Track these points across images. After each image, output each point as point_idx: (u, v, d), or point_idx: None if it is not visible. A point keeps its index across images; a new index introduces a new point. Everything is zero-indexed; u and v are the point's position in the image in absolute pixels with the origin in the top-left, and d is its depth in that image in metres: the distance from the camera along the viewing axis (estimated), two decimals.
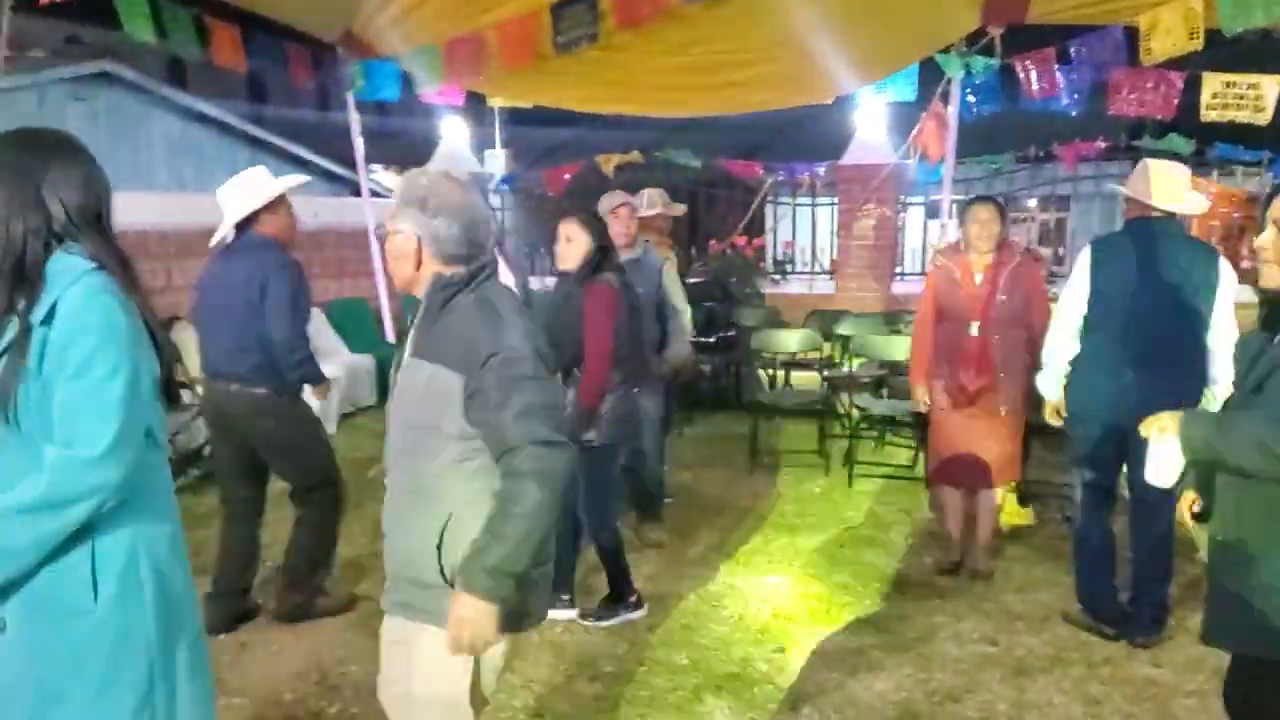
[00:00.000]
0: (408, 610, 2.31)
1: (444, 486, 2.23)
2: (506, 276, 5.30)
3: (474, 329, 2.20)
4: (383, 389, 8.52)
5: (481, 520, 2.15)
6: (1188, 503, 2.63)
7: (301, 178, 4.42)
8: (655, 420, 5.29)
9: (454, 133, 9.93)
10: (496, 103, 9.14)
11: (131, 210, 7.44)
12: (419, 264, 2.29)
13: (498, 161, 10.65)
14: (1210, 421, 2.29)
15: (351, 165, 11.17)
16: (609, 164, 9.31)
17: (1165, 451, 2.29)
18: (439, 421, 2.21)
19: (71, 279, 1.91)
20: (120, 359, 1.89)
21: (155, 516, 2.04)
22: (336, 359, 8.36)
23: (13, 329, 1.89)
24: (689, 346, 5.51)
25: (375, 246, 8.52)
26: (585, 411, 4.05)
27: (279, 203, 4.17)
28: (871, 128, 8.55)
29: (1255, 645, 2.28)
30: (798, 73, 7.25)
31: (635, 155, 9.30)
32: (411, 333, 2.33)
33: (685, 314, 5.40)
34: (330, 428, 7.68)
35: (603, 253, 4.16)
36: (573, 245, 4.16)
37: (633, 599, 4.37)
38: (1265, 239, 2.26)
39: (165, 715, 2.03)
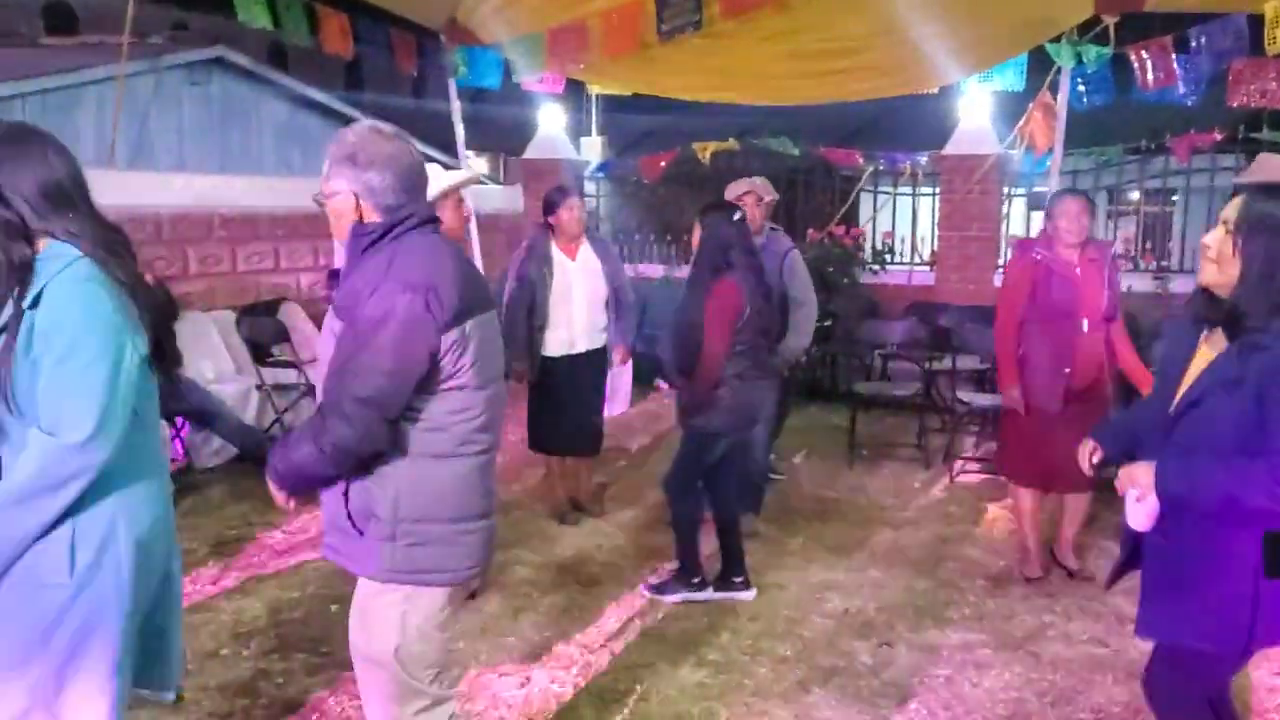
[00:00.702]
0: (337, 555, 2.43)
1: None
2: (595, 263, 5.35)
3: (363, 281, 2.21)
4: None
5: (383, 472, 2.25)
6: (1088, 451, 2.73)
7: (468, 173, 4.40)
8: (769, 413, 5.25)
9: (551, 120, 9.99)
10: (595, 90, 9.18)
11: (242, 192, 7.73)
12: (361, 219, 2.28)
13: (593, 149, 10.68)
14: (1181, 475, 2.30)
15: (447, 151, 11.36)
16: (705, 152, 9.26)
17: (1142, 506, 2.38)
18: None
19: (58, 267, 1.95)
20: (103, 345, 1.94)
21: (139, 492, 2.09)
22: None
23: (7, 313, 1.95)
24: (805, 340, 5.40)
25: (475, 231, 8.63)
26: (696, 401, 4.08)
27: (444, 199, 4.08)
28: (976, 117, 8.37)
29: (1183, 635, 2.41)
30: (903, 61, 7.13)
31: (732, 143, 9.24)
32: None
33: (808, 305, 5.27)
34: None
35: (727, 251, 4.13)
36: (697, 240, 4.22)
37: (739, 580, 4.41)
38: (1211, 237, 2.31)
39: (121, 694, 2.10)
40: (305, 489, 2.38)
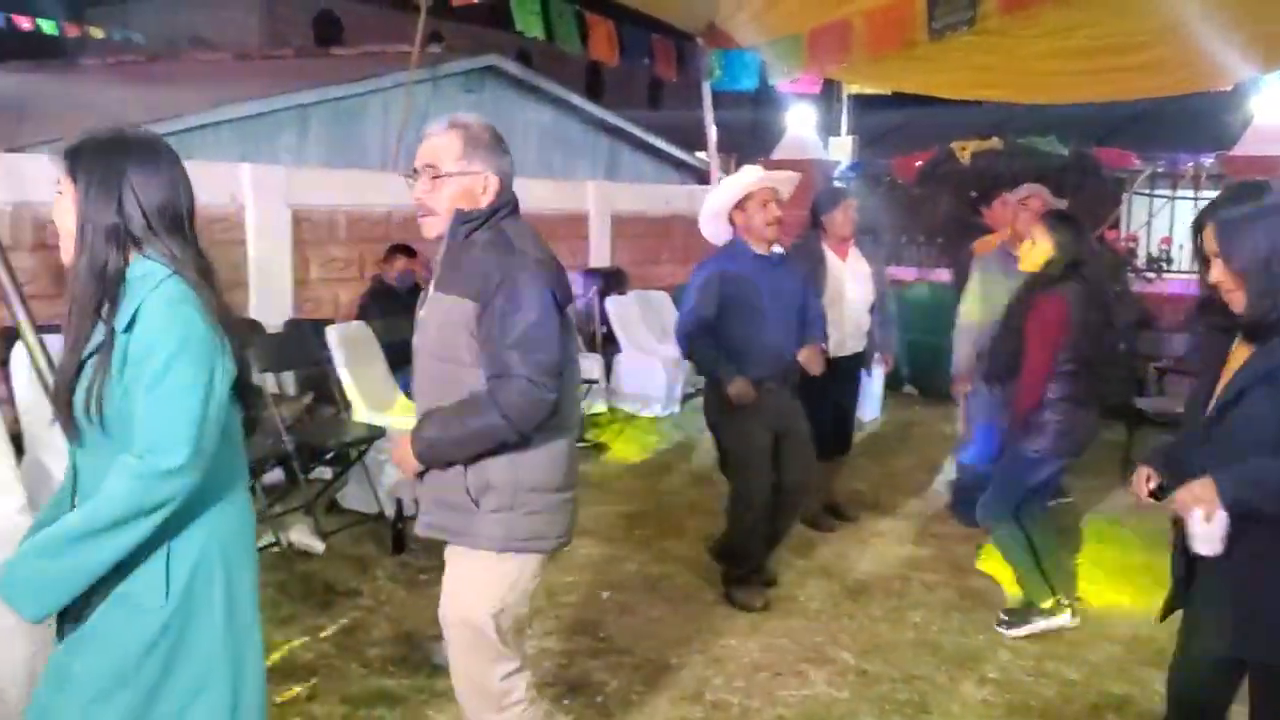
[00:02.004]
0: (441, 532, 2.51)
1: None
2: (864, 266, 5.27)
3: (489, 262, 2.33)
4: None
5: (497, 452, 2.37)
6: (1143, 478, 2.63)
7: (780, 173, 4.36)
8: None
9: (800, 120, 9.95)
10: (853, 90, 9.09)
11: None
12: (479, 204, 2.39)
13: (843, 148, 10.56)
14: (1243, 479, 2.26)
15: (691, 152, 11.53)
16: (965, 151, 8.98)
17: (1213, 525, 2.26)
18: (458, 351, 2.36)
19: (150, 285, 1.92)
20: (197, 368, 1.90)
21: (227, 514, 2.07)
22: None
23: (100, 333, 1.93)
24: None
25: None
26: (1019, 421, 3.89)
27: (746, 200, 4.16)
28: (1273, 115, 7.73)
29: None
30: (1192, 57, 6.69)
31: (994, 142, 8.90)
32: (436, 269, 2.46)
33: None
34: (674, 408, 7.98)
35: (1069, 262, 3.84)
36: (1035, 249, 3.91)
37: (1046, 605, 4.13)
38: (1217, 275, 2.34)
39: (227, 708, 2.06)
40: (446, 463, 2.43)
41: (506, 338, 2.27)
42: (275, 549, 4.74)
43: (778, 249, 4.31)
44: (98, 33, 16.72)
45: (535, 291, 2.31)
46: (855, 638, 4.08)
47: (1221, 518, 2.25)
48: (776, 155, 10.10)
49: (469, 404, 2.33)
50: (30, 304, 3.93)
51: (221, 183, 5.99)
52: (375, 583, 4.53)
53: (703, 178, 10.37)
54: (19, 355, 4.01)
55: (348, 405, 5.63)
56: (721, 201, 4.21)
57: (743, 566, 4.41)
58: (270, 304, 6.19)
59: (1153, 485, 2.64)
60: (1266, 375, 2.27)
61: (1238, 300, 2.33)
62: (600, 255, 8.85)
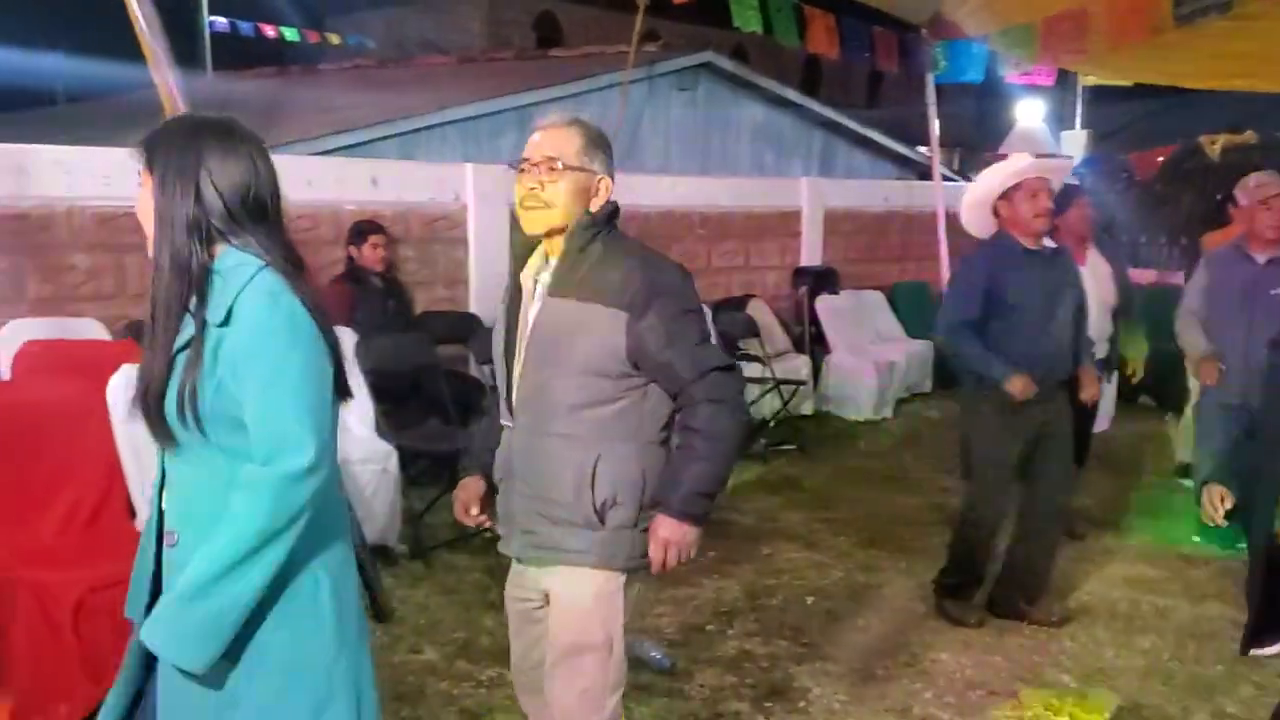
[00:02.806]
0: (558, 554, 2.29)
1: (593, 426, 2.23)
2: (1104, 267, 4.94)
3: (631, 267, 2.22)
4: (940, 377, 8.41)
5: (628, 459, 2.22)
6: (1217, 497, 2.46)
7: (1052, 161, 4.14)
8: None
9: (1030, 113, 9.50)
10: (1089, 81, 8.60)
11: (719, 193, 8.09)
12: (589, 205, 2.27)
13: (1076, 142, 10.01)
14: None
15: (911, 147, 11.19)
16: (1214, 146, 8.33)
17: None
18: (592, 360, 2.21)
19: (245, 277, 1.80)
20: (308, 361, 1.80)
21: (330, 523, 1.93)
22: (896, 344, 8.40)
23: (190, 328, 1.81)
24: None
25: (944, 230, 8.42)
26: None
27: (1013, 190, 3.87)
28: None
29: None
30: None
31: (1248, 136, 8.21)
32: (544, 274, 2.31)
33: None
34: (886, 412, 7.76)
35: None
36: None
37: None
38: None
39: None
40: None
41: (688, 340, 2.21)
42: (486, 534, 4.89)
43: (1049, 243, 3.98)
44: (334, 39, 17.83)
45: (693, 291, 2.31)
46: (1077, 661, 3.84)
47: None
48: (1004, 149, 9.69)
49: (701, 432, 2.20)
50: None
51: (447, 182, 6.25)
52: None
53: (924, 173, 10.04)
54: None
55: None
56: (985, 190, 3.94)
57: (959, 578, 4.20)
58: (489, 300, 6.40)
59: (1228, 505, 2.52)
60: None
61: None
62: (812, 253, 8.72)
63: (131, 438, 3.65)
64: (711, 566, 4.73)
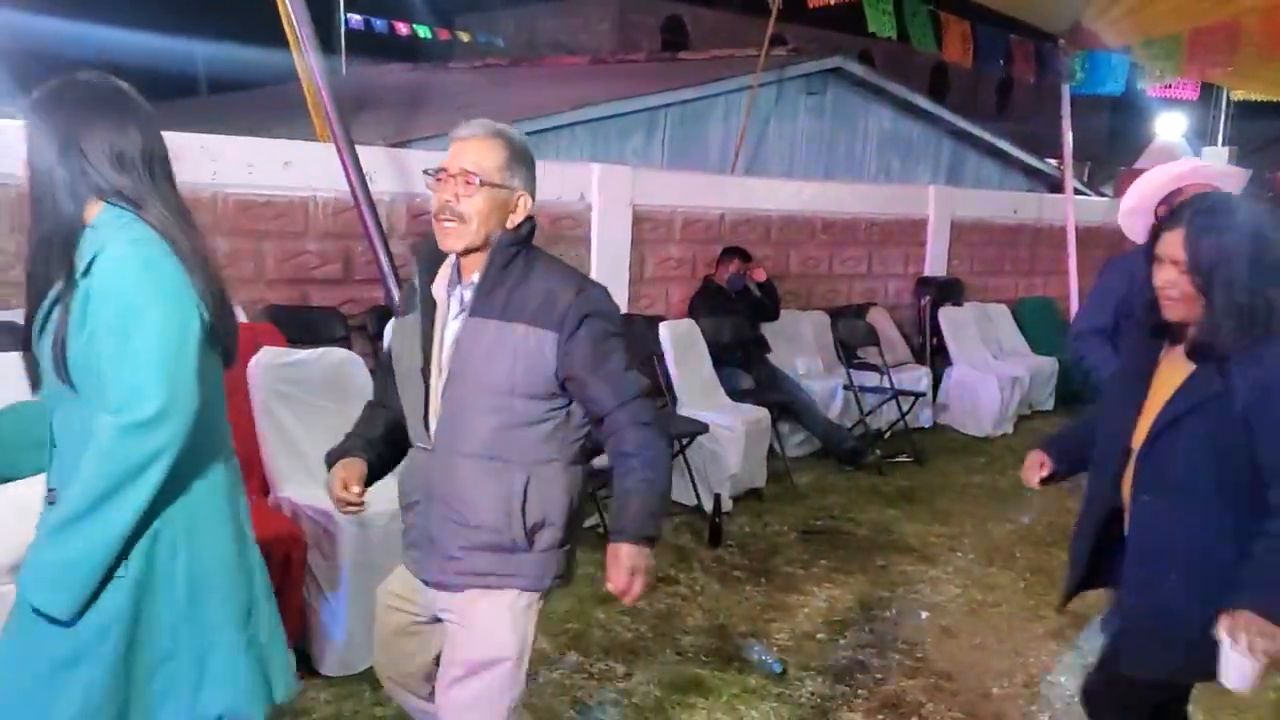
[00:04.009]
0: (485, 579, 2.21)
1: (521, 448, 2.17)
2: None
3: (558, 286, 2.16)
4: (1062, 394, 8.19)
5: (555, 480, 2.18)
6: (1036, 464, 2.53)
7: (1190, 165, 3.80)
8: None
9: (1170, 127, 9.17)
10: (1237, 96, 8.26)
11: (843, 198, 8.02)
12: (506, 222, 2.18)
13: (1219, 158, 9.62)
14: (1273, 595, 2.06)
15: (1043, 159, 10.92)
16: None
17: (1251, 663, 2.04)
18: (519, 382, 2.14)
19: (113, 230, 1.81)
20: (167, 312, 1.78)
21: (201, 493, 1.91)
22: (1019, 359, 8.21)
23: (59, 284, 1.83)
24: None
25: (1073, 245, 8.19)
26: None
27: (1176, 195, 3.57)
28: None
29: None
30: None
31: None
32: (462, 291, 2.20)
33: None
34: (1007, 428, 7.59)
35: None
36: None
37: None
38: (1168, 278, 2.21)
39: (190, 680, 1.93)
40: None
41: (617, 364, 2.17)
42: (599, 530, 4.96)
43: None
44: (465, 37, 18.22)
45: (619, 313, 2.28)
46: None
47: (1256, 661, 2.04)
48: (1141, 164, 9.37)
49: (640, 456, 2.15)
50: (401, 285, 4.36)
51: (574, 181, 6.34)
52: (691, 573, 4.64)
53: (1054, 186, 9.78)
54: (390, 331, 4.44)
55: (674, 399, 5.80)
56: (1146, 193, 3.67)
57: None
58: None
59: (1045, 473, 2.55)
60: (1205, 403, 2.16)
61: (1180, 310, 2.22)
62: (937, 263, 8.57)
63: (271, 416, 3.82)
64: (824, 575, 4.71)
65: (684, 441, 5.43)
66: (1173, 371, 2.27)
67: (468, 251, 2.17)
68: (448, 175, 2.14)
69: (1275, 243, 2.18)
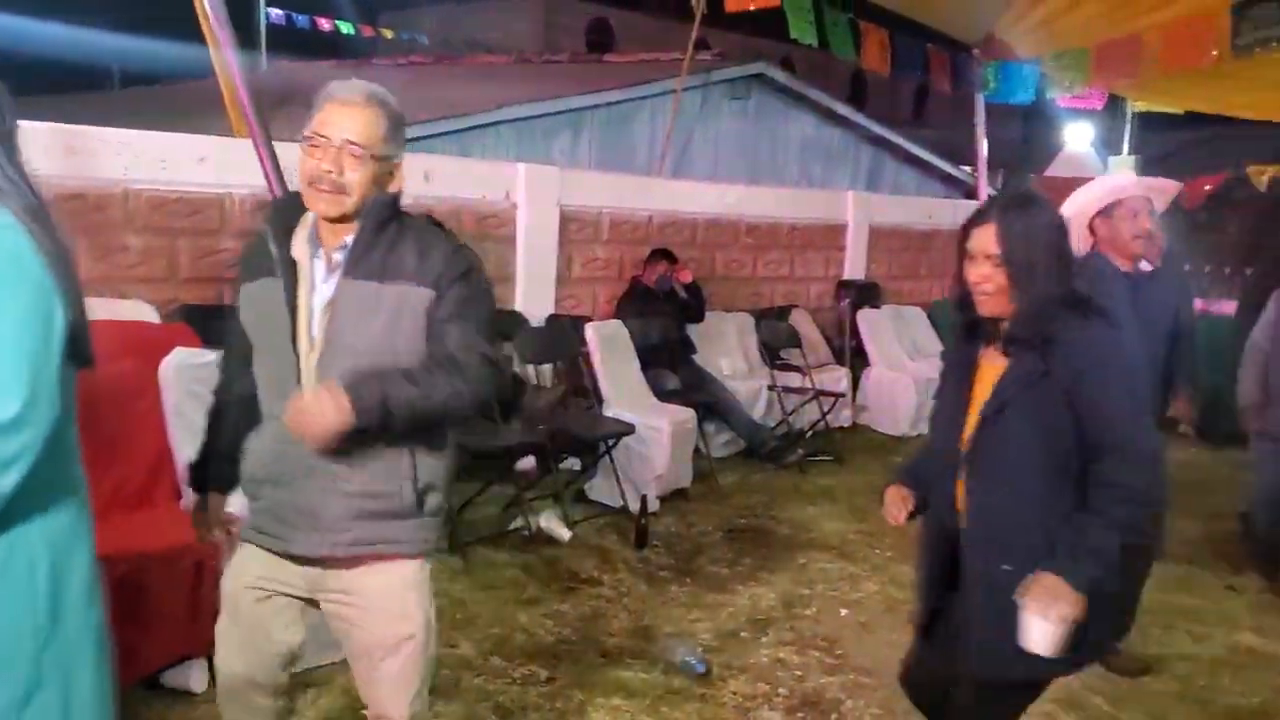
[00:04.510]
0: (375, 548, 2.16)
1: None
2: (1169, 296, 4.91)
3: (433, 245, 2.14)
4: None
5: (433, 442, 2.17)
6: (898, 499, 2.50)
7: (1132, 179, 3.84)
8: None
9: (1078, 137, 9.46)
10: (1139, 107, 8.55)
11: (767, 203, 8.12)
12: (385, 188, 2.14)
13: (1124, 169, 9.96)
14: (1082, 559, 2.14)
15: (958, 166, 11.16)
16: (1263, 176, 8.27)
17: (1053, 626, 2.12)
18: (401, 342, 2.10)
19: None
20: (32, 307, 1.59)
21: (53, 490, 1.72)
22: (934, 360, 8.35)
23: None
24: None
25: None
26: None
27: (1114, 207, 3.64)
28: None
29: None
30: None
31: None
32: (330, 254, 2.12)
33: None
34: (923, 427, 7.76)
35: None
36: None
37: None
38: (983, 273, 2.23)
39: (59, 709, 1.74)
40: (381, 429, 2.05)
41: (471, 322, 2.14)
42: (524, 533, 4.96)
43: (1145, 265, 3.76)
44: (388, 34, 18.01)
45: (489, 281, 2.25)
46: (1110, 682, 3.83)
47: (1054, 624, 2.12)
48: (1051, 172, 9.66)
49: (422, 372, 2.07)
50: None
51: (499, 180, 6.32)
52: (616, 575, 4.66)
53: (969, 192, 10.03)
54: None
55: (600, 400, 5.82)
56: (1082, 205, 3.68)
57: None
58: (535, 298, 6.48)
59: (910, 507, 2.50)
60: (1034, 376, 2.20)
61: (993, 304, 2.25)
62: (856, 267, 8.73)
63: (183, 419, 3.74)
64: (747, 574, 4.77)
65: (610, 442, 5.46)
66: (992, 369, 2.32)
67: (343, 219, 2.11)
68: (329, 144, 2.06)
69: (1066, 231, 2.29)
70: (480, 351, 2.13)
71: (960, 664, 2.39)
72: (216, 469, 2.28)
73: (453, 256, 2.14)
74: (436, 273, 2.11)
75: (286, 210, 2.20)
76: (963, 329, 2.40)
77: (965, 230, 2.32)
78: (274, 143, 4.60)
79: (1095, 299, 2.28)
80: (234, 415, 2.27)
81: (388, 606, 2.21)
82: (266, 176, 4.53)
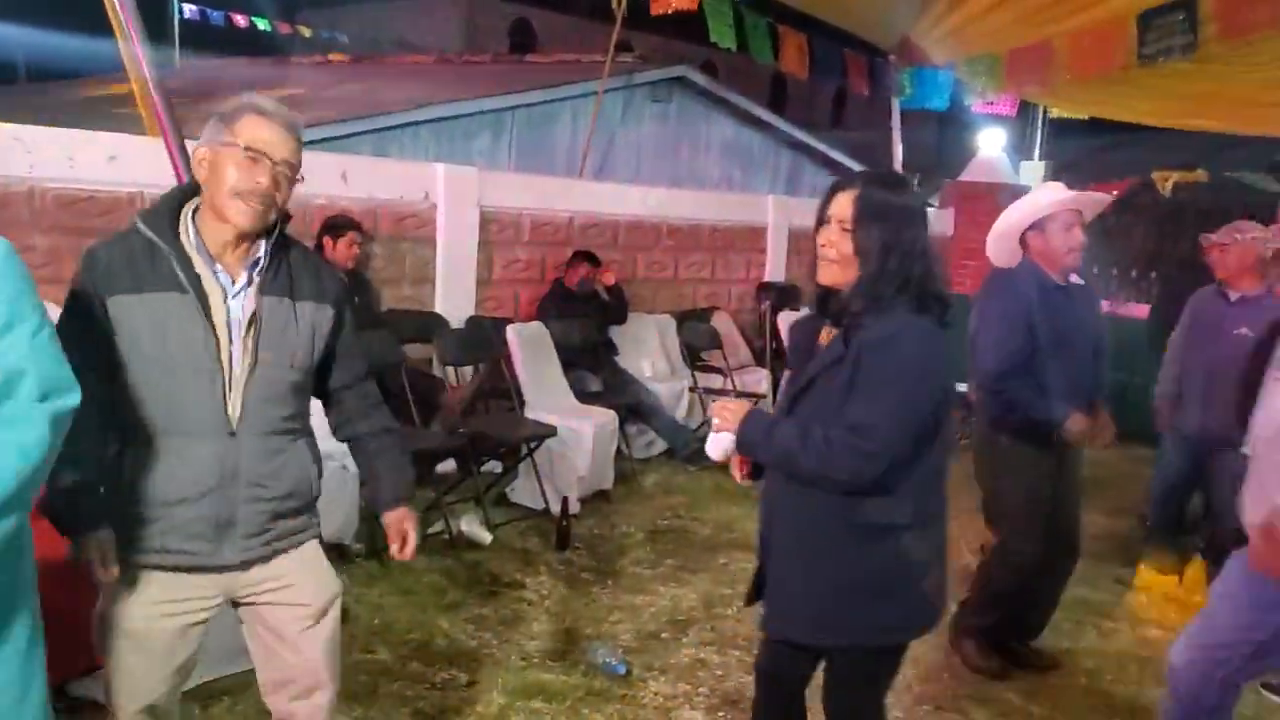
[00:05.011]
0: (292, 539, 2.30)
1: (304, 417, 2.31)
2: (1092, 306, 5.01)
3: (321, 268, 2.30)
4: None
5: (314, 441, 2.33)
6: (739, 462, 2.51)
7: (1070, 193, 3.76)
8: None
9: (991, 142, 9.68)
10: (1052, 114, 8.78)
11: (688, 206, 8.16)
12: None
13: (1035, 173, 10.22)
14: (762, 427, 2.30)
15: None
16: (1166, 182, 8.55)
17: (721, 439, 2.37)
18: (303, 357, 2.23)
19: None
20: (39, 305, 1.70)
21: None
22: None
23: None
24: None
25: None
26: None
27: (1047, 221, 3.66)
28: None
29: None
30: None
31: (1199, 174, 8.44)
32: (245, 272, 2.14)
33: None
34: None
35: None
36: None
37: None
38: (829, 238, 2.26)
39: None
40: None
41: (358, 344, 2.44)
42: (444, 537, 4.91)
43: (1075, 279, 3.77)
44: (306, 31, 17.73)
45: None
46: (1023, 678, 3.93)
47: (728, 438, 2.34)
48: (964, 177, 9.86)
49: (393, 432, 2.50)
50: None
51: (418, 181, 6.25)
52: (538, 577, 4.64)
53: None
54: None
55: (522, 402, 5.80)
56: (1017, 220, 3.72)
57: (993, 620, 4.00)
58: (455, 300, 6.42)
59: (747, 468, 2.54)
60: (834, 361, 2.25)
61: (833, 273, 2.27)
62: (776, 269, 8.82)
63: None
64: (669, 575, 4.79)
65: (532, 445, 5.43)
66: (824, 344, 2.36)
67: (257, 235, 2.15)
68: (268, 161, 2.08)
69: (925, 222, 2.32)
70: (367, 373, 2.46)
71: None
72: (95, 502, 2.11)
73: (335, 276, 2.33)
74: (334, 293, 2.28)
75: (168, 217, 2.13)
76: (816, 300, 2.40)
77: (828, 195, 2.31)
78: (186, 141, 4.50)
79: (948, 300, 2.28)
80: (94, 440, 2.07)
81: (312, 573, 2.35)
82: (179, 176, 4.42)
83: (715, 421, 2.38)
